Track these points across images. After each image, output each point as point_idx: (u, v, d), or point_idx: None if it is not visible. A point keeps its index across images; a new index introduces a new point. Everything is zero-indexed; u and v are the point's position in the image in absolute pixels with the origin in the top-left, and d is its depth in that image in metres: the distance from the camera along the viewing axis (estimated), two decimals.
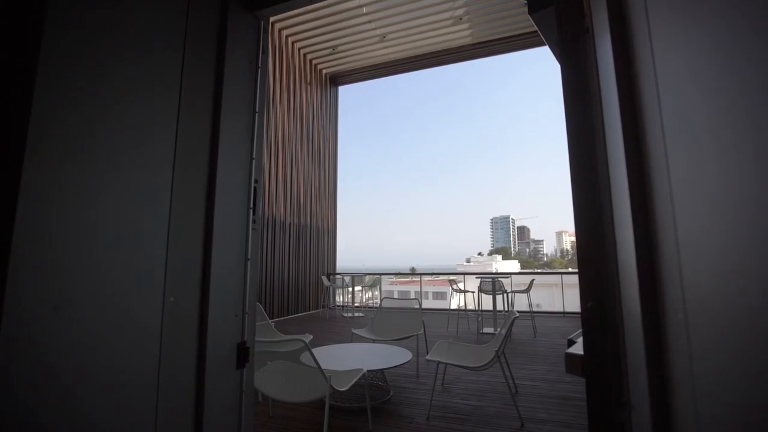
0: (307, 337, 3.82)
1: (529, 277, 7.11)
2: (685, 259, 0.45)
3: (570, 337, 1.01)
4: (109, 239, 0.76)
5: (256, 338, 2.97)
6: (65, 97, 0.75)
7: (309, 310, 9.17)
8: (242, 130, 1.01)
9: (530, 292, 6.48)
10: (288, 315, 8.32)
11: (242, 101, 1.03)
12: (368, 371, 2.78)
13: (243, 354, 0.95)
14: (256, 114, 1.07)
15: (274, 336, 3.89)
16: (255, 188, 1.06)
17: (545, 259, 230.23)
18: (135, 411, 0.76)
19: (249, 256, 1.00)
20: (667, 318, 0.50)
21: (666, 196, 0.50)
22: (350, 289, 9.01)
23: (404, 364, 2.95)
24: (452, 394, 3.21)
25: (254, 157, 1.05)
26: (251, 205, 1.03)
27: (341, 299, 10.20)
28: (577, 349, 0.85)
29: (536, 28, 1.25)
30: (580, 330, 1.14)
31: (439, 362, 2.82)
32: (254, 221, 1.05)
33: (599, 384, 0.75)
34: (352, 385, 2.36)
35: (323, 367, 2.83)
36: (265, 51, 1.14)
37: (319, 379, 2.19)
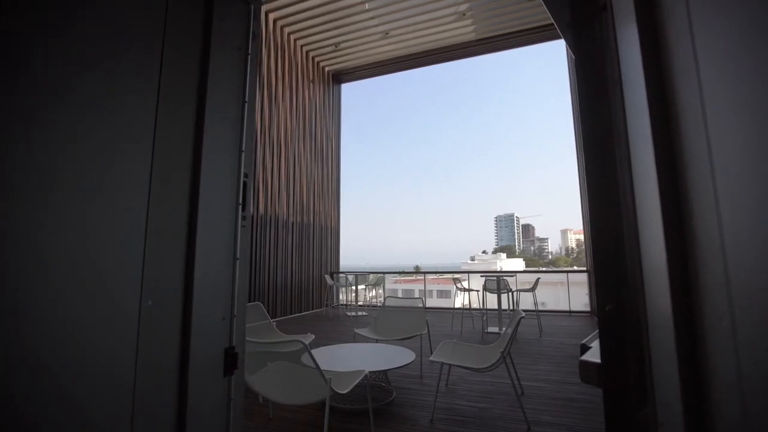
0: (309, 337, 3.77)
1: (534, 276, 7.02)
2: (734, 260, 0.38)
3: (583, 341, 0.94)
4: (73, 239, 0.69)
5: (256, 339, 2.93)
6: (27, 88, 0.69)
7: (312, 309, 9.13)
8: (230, 121, 0.95)
9: (535, 290, 6.39)
10: (291, 314, 8.28)
11: (229, 90, 0.96)
12: (371, 372, 2.71)
13: (231, 360, 0.89)
14: (246, 104, 1.00)
15: (276, 336, 3.84)
16: (245, 183, 1.00)
17: (550, 257, 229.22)
18: (105, 428, 0.70)
19: (238, 255, 0.93)
20: (707, 325, 0.43)
21: (707, 192, 0.43)
22: (354, 287, 8.95)
23: (407, 365, 2.89)
24: (457, 396, 3.14)
25: (243, 149, 0.98)
26: (240, 201, 0.97)
27: (345, 298, 10.16)
28: (593, 355, 0.78)
29: (545, 8, 1.17)
30: (594, 333, 1.07)
31: (443, 363, 2.75)
32: (244, 218, 0.98)
33: (619, 396, 0.68)
34: (354, 387, 2.30)
35: (324, 368, 2.77)
36: (255, 37, 1.08)
37: (319, 381, 2.13)
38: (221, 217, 0.90)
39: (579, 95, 0.85)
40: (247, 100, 1.01)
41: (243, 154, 0.99)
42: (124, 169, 0.75)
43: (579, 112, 0.86)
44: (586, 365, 0.74)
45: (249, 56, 1.05)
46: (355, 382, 2.28)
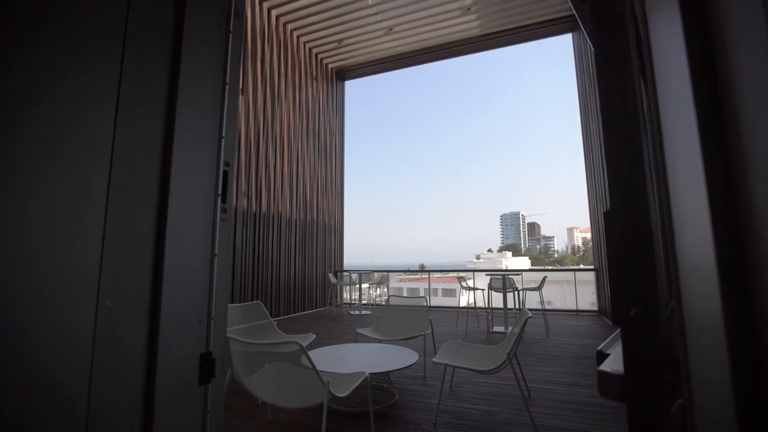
0: (309, 337, 3.68)
1: (540, 274, 6.89)
2: None
3: (600, 347, 0.84)
4: (8, 233, 0.61)
5: (251, 340, 2.85)
6: None
7: (315, 308, 9.07)
8: (207, 105, 0.86)
9: (542, 289, 6.27)
10: (294, 313, 8.22)
11: (207, 70, 0.87)
12: (372, 374, 2.63)
13: (208, 367, 0.81)
14: (227, 86, 0.91)
15: (276, 336, 3.76)
16: (225, 173, 0.91)
17: (556, 255, 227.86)
18: None
19: (216, 251, 0.85)
20: None
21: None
22: (357, 286, 8.88)
23: (410, 366, 2.80)
24: (461, 398, 3.05)
25: (224, 135, 0.90)
26: (219, 192, 0.88)
27: (348, 297, 10.09)
28: (613, 365, 0.69)
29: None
30: (610, 339, 0.97)
31: (446, 365, 2.66)
32: (224, 210, 0.90)
33: (648, 414, 0.58)
34: (354, 389, 2.21)
35: (324, 369, 2.69)
36: (239, 14, 0.99)
37: (317, 383, 2.05)
38: (196, 209, 0.81)
39: (598, 72, 0.75)
40: (228, 82, 0.92)
41: (223, 140, 0.90)
42: (76, 153, 0.66)
43: (599, 93, 0.76)
44: (607, 377, 0.64)
45: (231, 35, 0.97)
46: (355, 385, 2.20)
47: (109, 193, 0.68)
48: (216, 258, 0.85)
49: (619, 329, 1.11)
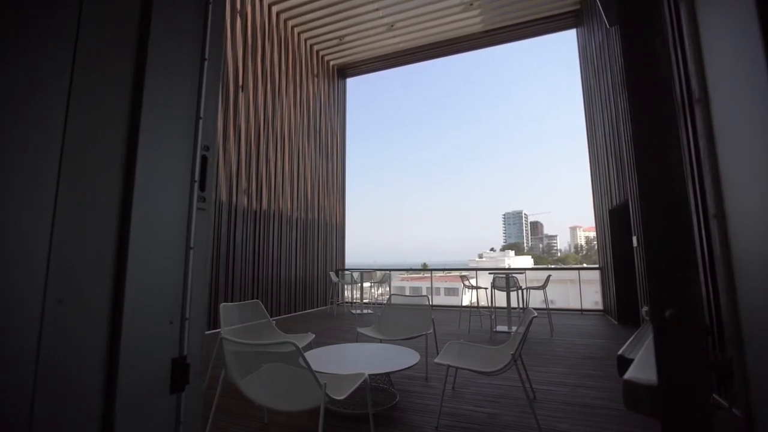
0: (309, 337, 3.60)
1: (543, 273, 6.79)
2: None
3: (620, 352, 0.75)
4: None
5: (247, 340, 2.77)
6: None
7: (317, 307, 9.00)
8: (183, 82, 0.77)
9: (546, 288, 6.16)
10: (295, 312, 8.15)
11: (183, 45, 0.79)
12: (373, 374, 2.54)
13: (181, 373, 0.72)
14: (206, 62, 0.83)
15: (275, 335, 3.68)
16: (204, 157, 0.82)
17: (559, 254, 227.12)
18: None
19: (192, 244, 0.76)
20: None
21: None
22: (359, 285, 8.79)
23: (411, 367, 2.71)
24: (464, 400, 2.96)
25: (202, 116, 0.81)
26: (196, 179, 0.79)
27: (350, 296, 10.02)
28: (641, 373, 0.59)
29: None
30: (630, 342, 0.88)
31: (449, 366, 2.57)
32: (203, 199, 0.81)
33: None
34: (353, 391, 2.12)
35: (322, 370, 2.61)
36: None
37: (313, 385, 1.96)
38: (168, 197, 0.73)
39: (625, 49, 0.66)
40: (207, 57, 0.84)
41: (201, 122, 0.81)
42: (18, 127, 0.57)
43: (625, 69, 0.67)
44: (635, 388, 0.55)
45: (211, 5, 0.88)
46: (354, 387, 2.11)
47: (60, 176, 0.59)
48: (192, 251, 0.77)
49: (637, 330, 1.02)
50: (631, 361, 0.72)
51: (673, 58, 1.72)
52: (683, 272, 0.51)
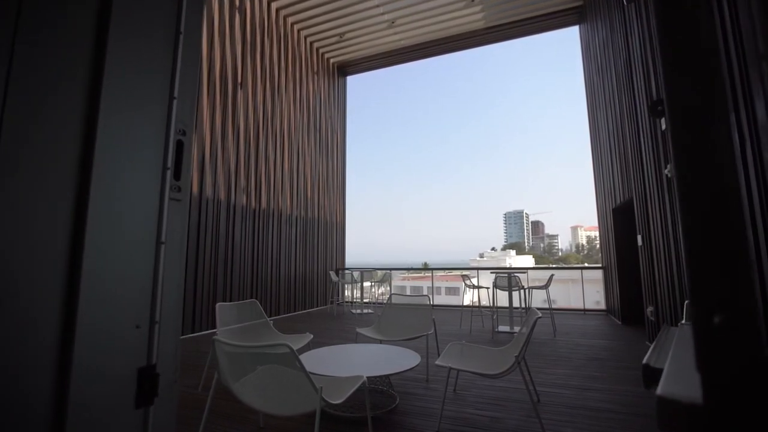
0: (307, 337, 3.52)
1: (545, 272, 6.70)
2: None
3: (646, 360, 0.66)
4: None
5: (240, 342, 2.69)
6: None
7: (316, 307, 8.92)
8: (152, 58, 0.69)
9: (548, 288, 6.07)
10: (294, 311, 8.08)
11: (151, 15, 0.70)
12: (371, 377, 2.46)
13: (149, 384, 0.64)
14: (181, 35, 0.74)
15: (272, 335, 3.60)
16: (179, 142, 0.74)
17: (560, 254, 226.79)
18: None
19: (164, 238, 0.68)
20: None
21: None
22: (359, 284, 8.71)
23: (411, 369, 2.63)
24: (466, 403, 2.87)
25: (176, 96, 0.72)
26: (169, 165, 0.71)
27: (350, 295, 9.94)
28: (678, 388, 0.51)
29: None
30: (655, 348, 0.79)
31: (450, 368, 2.49)
32: (177, 189, 0.73)
33: None
34: (352, 393, 2.04)
35: (320, 371, 2.53)
36: None
37: (309, 389, 1.88)
38: (134, 186, 0.64)
39: (660, 31, 0.58)
40: (182, 31, 0.75)
41: (176, 102, 0.73)
42: None
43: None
44: (673, 407, 0.47)
45: None
46: (351, 391, 2.03)
47: None
48: (163, 247, 0.68)
49: (658, 335, 0.93)
50: (659, 371, 0.63)
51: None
52: (735, 270, 0.42)
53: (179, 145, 0.75)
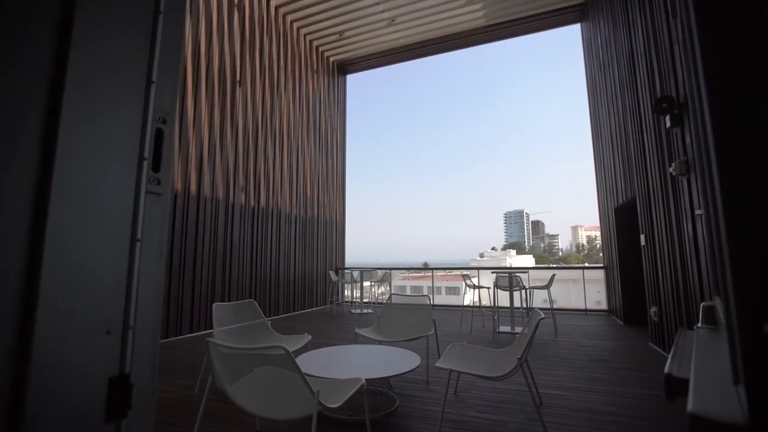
0: (305, 338, 3.46)
1: (546, 272, 6.64)
2: None
3: (668, 370, 0.60)
4: None
5: (237, 344, 2.63)
6: None
7: (316, 306, 8.86)
8: (127, 38, 0.63)
9: (550, 288, 6.01)
10: (293, 311, 8.02)
11: None
12: (370, 379, 2.40)
13: (121, 395, 0.58)
14: (161, 15, 0.68)
15: (270, 336, 3.54)
16: (159, 130, 0.68)
17: (560, 254, 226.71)
18: None
19: (140, 235, 0.62)
20: None
21: None
22: (359, 284, 8.65)
23: (411, 371, 2.57)
24: (467, 405, 2.81)
25: (155, 80, 0.66)
26: (147, 156, 0.65)
27: (350, 295, 9.88)
28: (712, 403, 0.45)
29: None
30: (676, 354, 0.73)
31: (451, 370, 2.43)
32: (156, 181, 0.67)
33: None
34: (350, 396, 1.98)
35: (317, 373, 2.47)
36: None
37: (306, 392, 1.82)
38: (105, 176, 0.58)
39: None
40: (162, 11, 0.69)
41: (154, 86, 0.67)
42: None
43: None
44: (709, 427, 0.41)
45: None
46: (349, 395, 1.97)
47: None
48: (139, 244, 0.62)
49: (675, 340, 0.87)
50: (684, 381, 0.57)
51: None
52: None
53: (158, 134, 0.68)
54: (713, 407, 0.43)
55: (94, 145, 0.57)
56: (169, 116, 0.71)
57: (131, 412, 0.59)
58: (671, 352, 0.74)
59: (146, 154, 0.65)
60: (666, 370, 0.61)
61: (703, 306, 0.98)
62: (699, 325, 0.98)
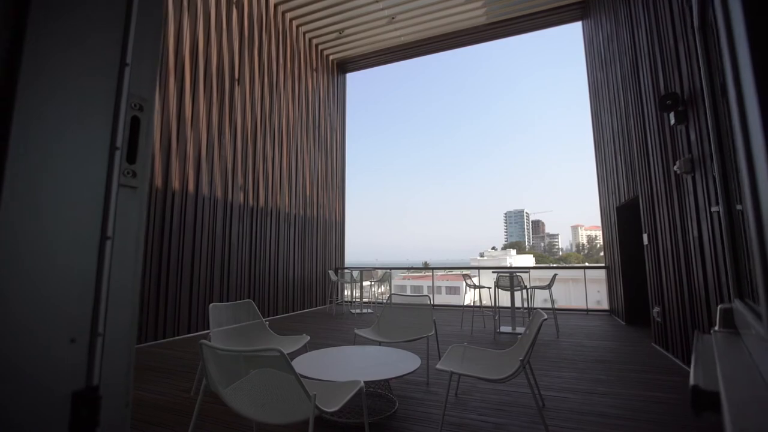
0: (303, 339, 3.40)
1: (546, 272, 6.59)
2: None
3: (694, 382, 0.54)
4: None
5: (233, 347, 2.57)
6: None
7: (315, 306, 8.81)
8: (97, 14, 0.57)
9: (552, 287, 5.96)
10: (292, 311, 7.96)
11: None
12: (369, 381, 2.35)
13: (88, 411, 0.52)
14: None
15: (267, 337, 3.49)
16: (135, 118, 0.62)
17: (560, 253, 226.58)
18: None
19: (110, 233, 0.56)
20: None
21: None
22: (359, 284, 8.59)
23: (411, 373, 2.51)
24: (468, 408, 2.76)
25: (129, 62, 0.61)
26: (119, 145, 0.59)
27: (350, 294, 9.82)
28: (753, 421, 0.39)
29: None
30: (700, 364, 0.68)
31: (452, 373, 2.37)
32: (131, 174, 0.61)
33: None
34: (348, 399, 1.93)
35: (315, 376, 2.42)
36: None
37: (302, 396, 1.76)
38: (69, 167, 0.52)
39: None
40: None
41: (128, 69, 0.61)
42: None
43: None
44: None
45: None
46: (347, 398, 1.92)
47: None
48: (110, 243, 0.56)
49: (694, 348, 0.81)
50: (713, 395, 0.51)
51: None
52: None
53: (135, 123, 0.63)
54: (757, 426, 0.38)
55: (54, 132, 0.51)
56: (148, 103, 0.65)
57: (99, 428, 0.53)
58: (693, 359, 0.69)
59: (119, 143, 0.59)
60: (692, 381, 0.55)
61: (720, 308, 0.92)
62: (716, 328, 0.93)
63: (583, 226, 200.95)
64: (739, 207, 0.88)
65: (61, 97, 0.52)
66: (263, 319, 3.58)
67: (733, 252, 0.91)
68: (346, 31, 9.32)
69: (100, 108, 0.57)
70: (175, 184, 5.52)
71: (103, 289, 0.55)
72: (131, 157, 0.62)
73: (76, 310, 0.52)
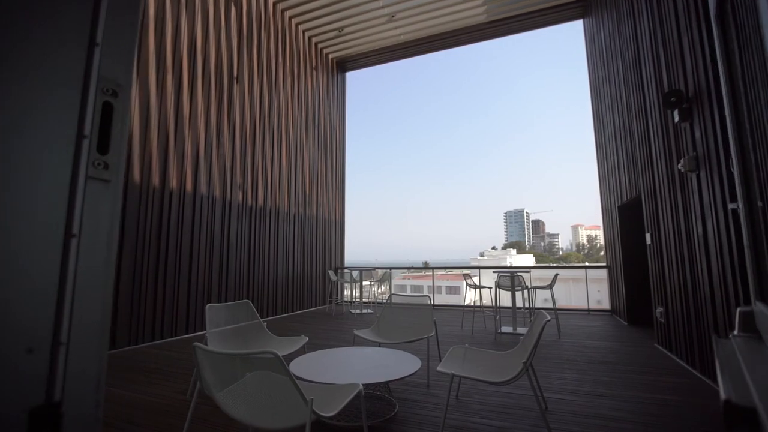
0: (302, 340, 3.34)
1: (546, 272, 6.53)
2: None
3: (726, 396, 0.49)
4: None
5: (227, 346, 2.50)
6: None
7: (315, 306, 8.75)
8: None
9: (553, 287, 5.90)
10: (291, 311, 7.91)
11: None
12: (368, 383, 2.29)
13: (48, 429, 0.47)
14: None
15: (265, 337, 3.43)
16: (108, 104, 0.57)
17: (561, 253, 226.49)
18: None
19: (76, 230, 0.51)
20: None
21: None
22: (358, 284, 8.54)
23: (411, 375, 2.46)
24: (469, 411, 2.70)
25: (99, 41, 0.55)
26: (87, 133, 0.53)
27: (350, 294, 9.77)
28: None
29: None
30: (725, 375, 0.62)
31: (453, 375, 2.31)
32: (103, 165, 0.55)
33: None
34: (346, 403, 1.87)
35: (312, 378, 2.36)
36: None
37: (299, 400, 1.71)
38: (30, 156, 0.47)
39: None
40: None
41: (98, 49, 0.55)
42: None
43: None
44: None
45: None
46: (345, 402, 1.86)
47: None
48: (75, 241, 0.51)
49: (718, 356, 0.75)
50: (750, 411, 0.46)
51: None
52: None
53: (107, 108, 0.57)
54: None
55: (9, 116, 0.45)
56: (123, 89, 0.59)
57: None
58: (718, 368, 0.63)
59: (87, 131, 0.53)
60: (723, 395, 0.50)
61: (740, 312, 0.87)
62: (736, 332, 0.87)
63: (583, 225, 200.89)
64: (760, 204, 0.82)
65: (15, 75, 0.46)
66: (261, 320, 3.53)
67: (754, 251, 0.85)
68: (346, 30, 9.26)
69: (63, 91, 0.51)
70: (173, 183, 5.46)
71: (68, 293, 0.49)
72: (103, 147, 0.56)
73: (35, 317, 0.46)
